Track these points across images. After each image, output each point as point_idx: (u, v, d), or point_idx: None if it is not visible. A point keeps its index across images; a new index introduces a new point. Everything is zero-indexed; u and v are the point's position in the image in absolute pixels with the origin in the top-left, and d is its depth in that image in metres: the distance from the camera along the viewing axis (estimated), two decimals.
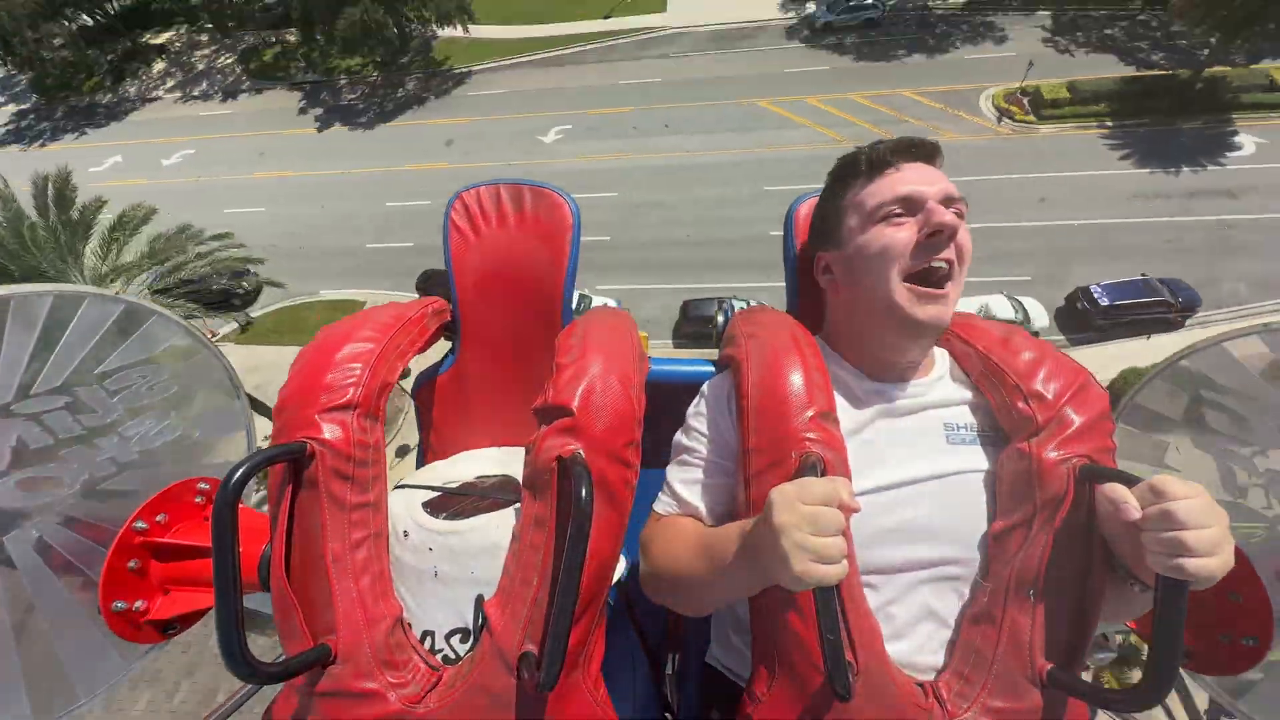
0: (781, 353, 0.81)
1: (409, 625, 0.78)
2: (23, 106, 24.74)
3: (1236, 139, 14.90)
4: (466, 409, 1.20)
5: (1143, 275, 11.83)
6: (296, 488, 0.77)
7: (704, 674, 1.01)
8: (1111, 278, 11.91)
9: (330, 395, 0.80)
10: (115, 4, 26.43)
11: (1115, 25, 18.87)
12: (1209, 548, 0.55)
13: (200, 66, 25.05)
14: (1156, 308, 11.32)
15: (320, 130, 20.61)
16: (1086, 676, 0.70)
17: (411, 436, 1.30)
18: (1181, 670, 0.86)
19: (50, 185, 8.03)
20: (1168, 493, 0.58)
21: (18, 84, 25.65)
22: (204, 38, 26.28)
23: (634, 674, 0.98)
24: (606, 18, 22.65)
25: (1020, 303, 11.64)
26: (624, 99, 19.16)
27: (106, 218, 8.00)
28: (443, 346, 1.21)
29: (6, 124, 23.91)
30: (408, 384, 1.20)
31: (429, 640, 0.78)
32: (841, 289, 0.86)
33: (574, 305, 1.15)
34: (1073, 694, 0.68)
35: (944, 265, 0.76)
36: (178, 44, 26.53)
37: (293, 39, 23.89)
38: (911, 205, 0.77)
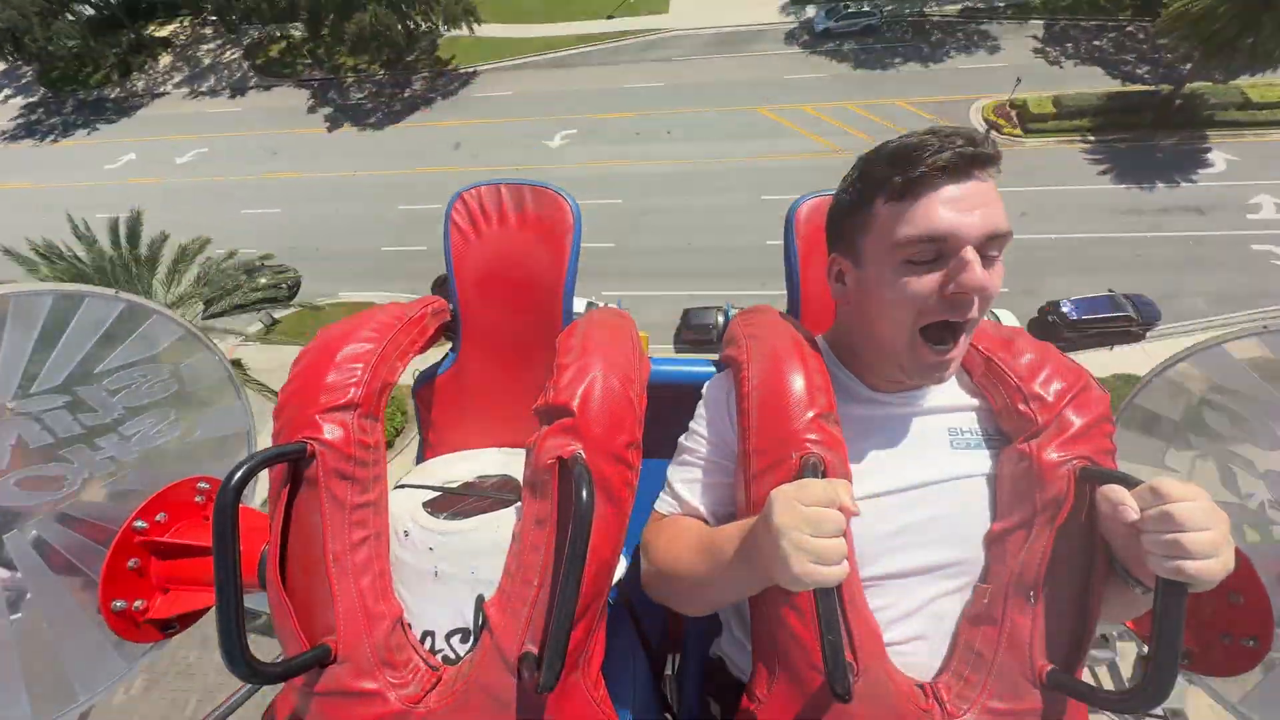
0: (782, 353, 0.81)
1: (409, 625, 0.78)
2: (31, 99, 24.86)
3: (1209, 155, 15.40)
4: (467, 409, 1.20)
5: (1109, 290, 12.65)
6: (297, 488, 0.77)
7: (704, 672, 1.02)
8: (1082, 290, 12.66)
9: (331, 395, 0.80)
10: None
11: (1104, 36, 19.24)
12: (1209, 550, 0.55)
13: (206, 61, 25.15)
14: (1120, 322, 12.29)
15: (330, 130, 20.86)
16: (1085, 678, 0.69)
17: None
18: (1181, 671, 0.84)
19: (123, 224, 8.88)
20: (1167, 494, 0.58)
21: (23, 76, 25.80)
22: (208, 30, 26.41)
23: (634, 674, 0.98)
24: (610, 18, 22.94)
25: (994, 314, 12.39)
26: (629, 103, 19.39)
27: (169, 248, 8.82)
28: (443, 347, 1.22)
29: (16, 118, 24.06)
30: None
31: (429, 640, 0.79)
32: (852, 308, 0.82)
33: (583, 310, 1.14)
34: (1072, 695, 0.68)
35: (963, 322, 0.71)
36: (183, 37, 26.64)
37: (297, 34, 24.12)
38: (943, 247, 0.68)
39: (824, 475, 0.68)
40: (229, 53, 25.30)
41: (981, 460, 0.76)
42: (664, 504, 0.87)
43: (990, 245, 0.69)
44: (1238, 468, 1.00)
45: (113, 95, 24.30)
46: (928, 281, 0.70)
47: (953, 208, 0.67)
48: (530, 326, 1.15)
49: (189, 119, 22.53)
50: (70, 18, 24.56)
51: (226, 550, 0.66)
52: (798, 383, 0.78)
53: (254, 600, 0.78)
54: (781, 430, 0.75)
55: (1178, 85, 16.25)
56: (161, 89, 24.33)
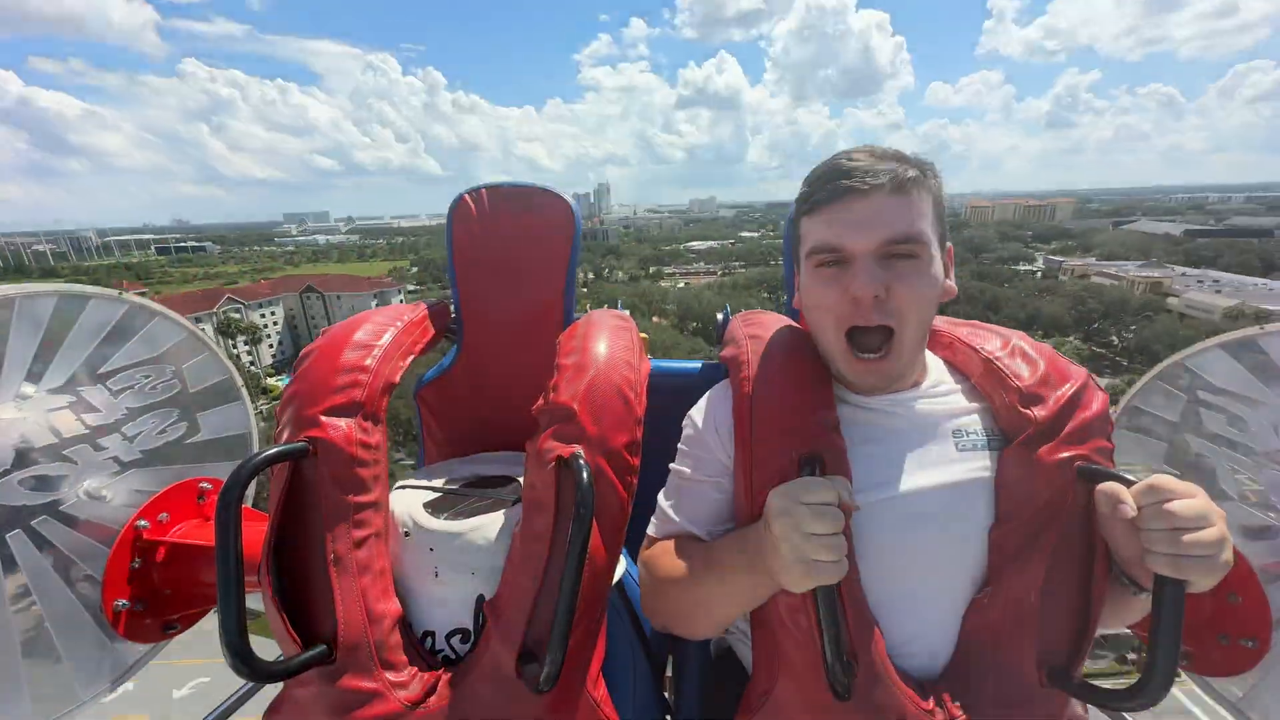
0: (782, 353, 0.82)
1: (410, 625, 0.78)
2: None
3: None
4: (467, 409, 1.20)
5: None
6: (299, 488, 0.77)
7: (705, 671, 1.01)
8: None
9: (333, 396, 0.80)
10: None
11: None
12: (1208, 547, 0.55)
13: None
14: None
15: None
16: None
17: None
18: (1181, 671, 0.84)
19: None
20: (1166, 491, 0.58)
21: None
22: None
23: (634, 674, 0.99)
24: None
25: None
26: None
27: None
28: (445, 347, 1.22)
29: None
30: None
31: (429, 640, 0.79)
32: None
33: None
34: (1072, 694, 0.68)
35: (874, 327, 0.72)
36: None
37: None
38: (842, 255, 0.72)
39: (823, 473, 0.68)
40: None
41: (986, 461, 0.77)
42: (657, 527, 0.87)
43: (895, 248, 0.71)
44: (1235, 468, 1.00)
45: None
46: (834, 286, 0.73)
47: (848, 219, 0.71)
48: (531, 327, 1.16)
49: None
50: None
51: (229, 549, 0.67)
52: (797, 382, 0.78)
53: (256, 599, 0.78)
54: (780, 429, 0.75)
55: None
56: None
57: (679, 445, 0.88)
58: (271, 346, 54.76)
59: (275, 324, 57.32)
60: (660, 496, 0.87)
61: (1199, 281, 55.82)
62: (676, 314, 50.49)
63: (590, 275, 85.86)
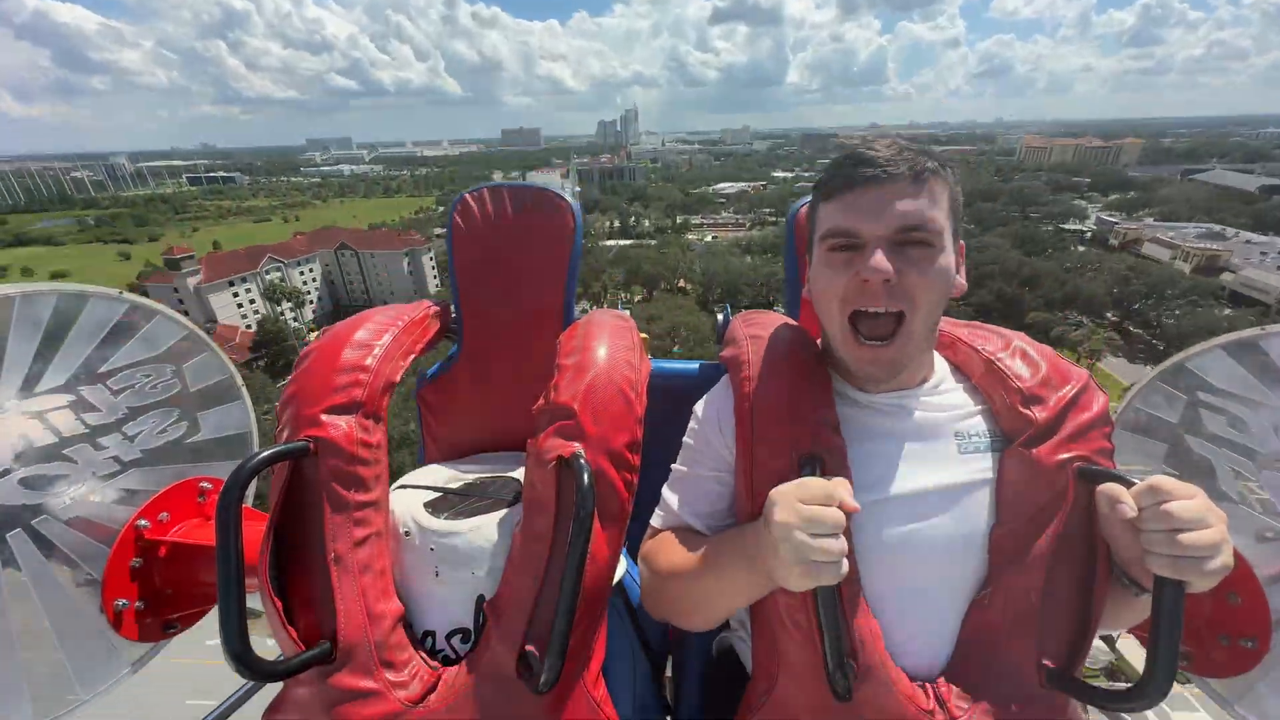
0: (783, 353, 0.82)
1: (410, 625, 0.78)
2: None
3: None
4: (468, 409, 1.21)
5: None
6: (299, 487, 0.77)
7: (705, 671, 1.01)
8: None
9: (334, 395, 0.80)
10: None
11: None
12: (1208, 547, 0.55)
13: None
14: None
15: None
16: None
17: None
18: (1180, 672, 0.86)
19: None
20: (1166, 492, 0.58)
21: None
22: None
23: (634, 674, 0.99)
24: None
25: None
26: None
27: None
28: (445, 347, 1.22)
29: None
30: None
31: (430, 640, 0.79)
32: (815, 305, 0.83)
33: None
34: (1073, 694, 0.68)
35: (883, 313, 0.72)
36: None
37: None
38: (854, 240, 0.72)
39: (823, 474, 0.68)
40: None
41: (987, 463, 0.76)
42: (660, 518, 0.87)
43: (908, 235, 0.71)
44: (1236, 469, 1.00)
45: None
46: (844, 270, 0.73)
47: (864, 205, 0.71)
48: (531, 327, 1.16)
49: None
50: None
51: (229, 548, 0.67)
52: (798, 382, 0.78)
53: (257, 599, 0.79)
54: (780, 429, 0.75)
55: None
56: None
57: (684, 439, 0.88)
58: (313, 303, 57.69)
59: (314, 281, 60.36)
60: (665, 488, 0.88)
61: (1262, 254, 48.45)
62: (702, 283, 48.96)
63: (615, 224, 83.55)
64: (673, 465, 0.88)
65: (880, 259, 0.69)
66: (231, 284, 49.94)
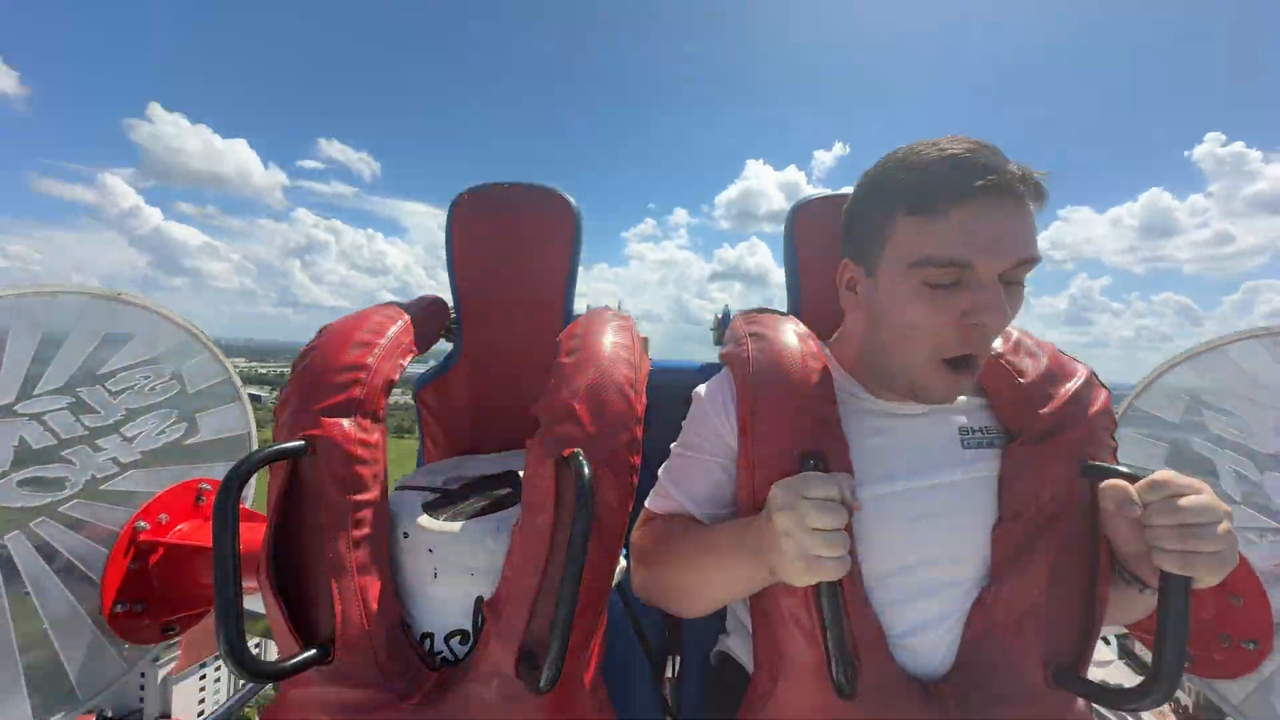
0: (784, 351, 0.81)
1: (409, 626, 0.78)
2: None
3: None
4: (467, 409, 1.20)
5: None
6: (297, 487, 0.77)
7: (706, 671, 1.00)
8: None
9: (332, 394, 0.80)
10: None
11: None
12: (1215, 543, 0.54)
13: None
14: None
15: None
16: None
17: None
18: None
19: None
20: (1171, 487, 0.57)
21: None
22: None
23: (634, 675, 0.98)
24: None
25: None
26: None
27: None
28: (444, 347, 1.22)
29: None
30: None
31: (429, 641, 0.78)
32: (862, 320, 0.79)
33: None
34: (1078, 693, 0.67)
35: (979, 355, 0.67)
36: None
37: None
38: (967, 274, 0.63)
39: (825, 470, 0.67)
40: None
41: (990, 459, 0.76)
42: (656, 502, 0.86)
43: (1017, 271, 0.64)
44: (1237, 469, 1.00)
45: None
46: (946, 310, 0.64)
47: (986, 230, 0.61)
48: (531, 326, 1.15)
49: None
50: None
51: (226, 548, 0.66)
52: (799, 380, 0.78)
53: (257, 600, 0.78)
54: (783, 426, 0.74)
55: None
56: None
57: (683, 423, 0.87)
58: None
59: None
60: (660, 472, 0.86)
61: None
62: None
63: None
64: (671, 445, 0.87)
65: (1004, 304, 0.62)
66: None
